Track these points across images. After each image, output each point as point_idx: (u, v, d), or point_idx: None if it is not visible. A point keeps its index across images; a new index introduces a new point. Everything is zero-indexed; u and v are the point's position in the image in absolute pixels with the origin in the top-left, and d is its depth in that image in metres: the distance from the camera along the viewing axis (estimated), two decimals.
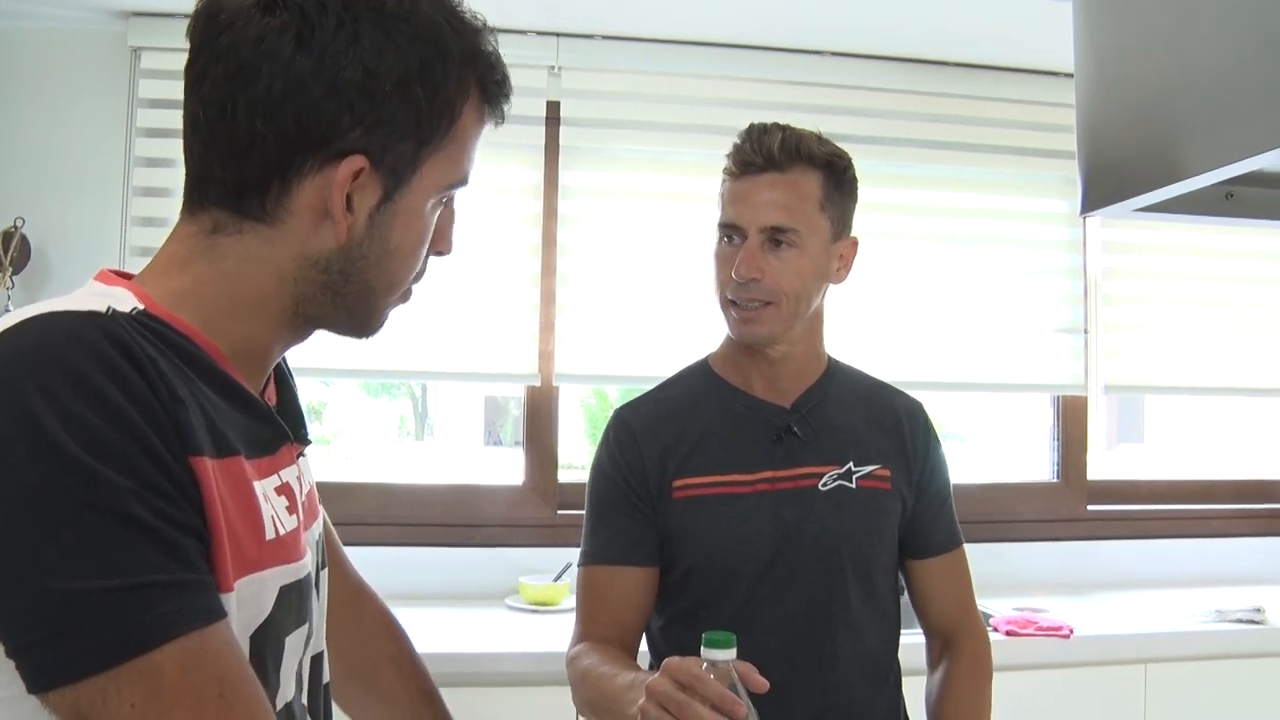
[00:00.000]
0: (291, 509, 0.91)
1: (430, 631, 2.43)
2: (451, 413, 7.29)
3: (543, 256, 2.95)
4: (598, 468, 1.64)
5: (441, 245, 0.99)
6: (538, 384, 2.96)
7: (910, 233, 3.11)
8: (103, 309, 0.77)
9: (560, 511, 2.96)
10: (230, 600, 0.78)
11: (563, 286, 2.96)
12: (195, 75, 0.85)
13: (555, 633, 2.33)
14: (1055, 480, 3.30)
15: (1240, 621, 2.60)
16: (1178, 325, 3.27)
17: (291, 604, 0.88)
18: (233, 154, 0.84)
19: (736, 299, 1.55)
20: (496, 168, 2.94)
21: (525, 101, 2.90)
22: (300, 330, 0.93)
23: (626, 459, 1.60)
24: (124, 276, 0.87)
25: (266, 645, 0.85)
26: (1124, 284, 3.26)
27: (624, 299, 2.97)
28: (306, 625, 0.93)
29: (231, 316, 0.87)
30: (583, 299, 2.96)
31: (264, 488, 0.87)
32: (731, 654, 1.08)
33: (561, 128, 2.96)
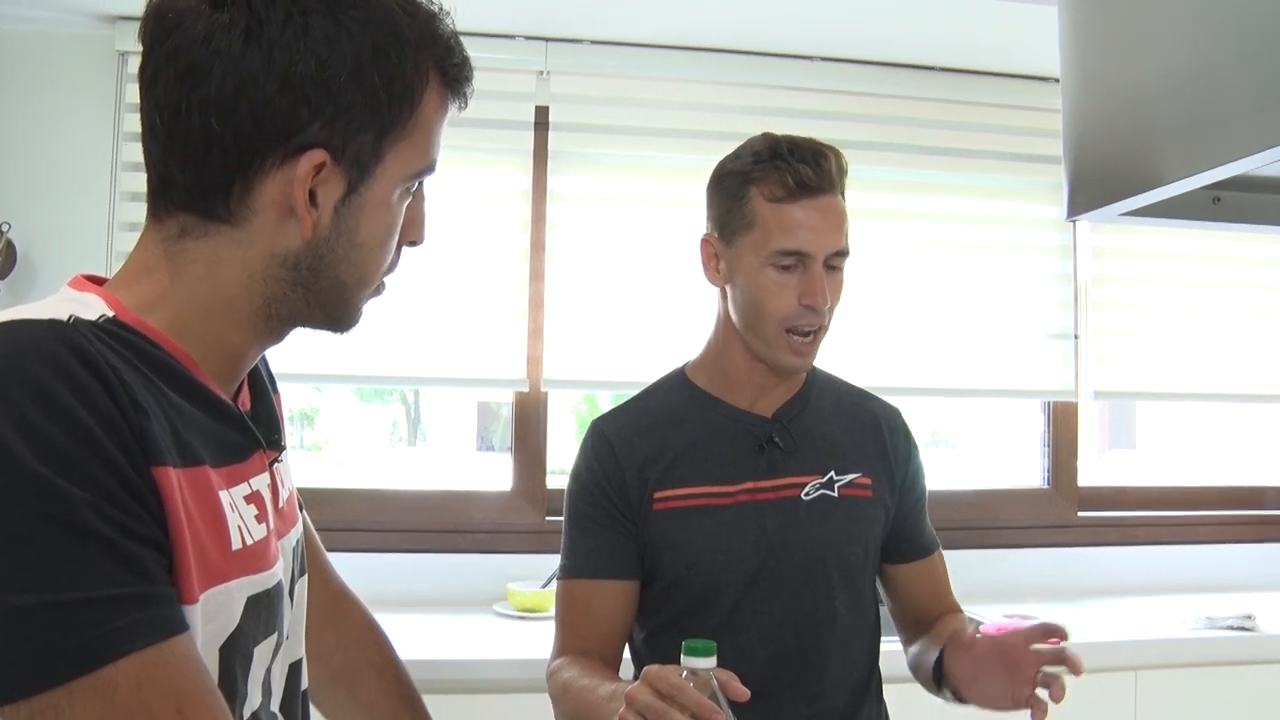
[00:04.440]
0: (261, 517, 0.89)
1: (418, 637, 2.42)
2: (444, 419, 7.28)
3: (531, 261, 2.94)
4: (576, 480, 1.62)
5: (413, 235, 0.97)
6: (526, 389, 2.95)
7: (900, 238, 3.11)
8: (64, 317, 0.76)
9: (549, 517, 2.95)
10: (195, 612, 0.77)
11: (551, 292, 2.95)
12: (148, 78, 0.83)
13: (543, 639, 2.31)
14: (1045, 486, 3.29)
15: (1231, 629, 2.60)
16: (1168, 331, 3.27)
17: (261, 614, 0.87)
18: (191, 156, 0.83)
19: (797, 327, 1.51)
20: (485, 172, 2.92)
21: (513, 106, 2.91)
22: (275, 331, 0.92)
23: (605, 471, 1.59)
24: (98, 282, 0.86)
25: (236, 656, 0.84)
26: (1114, 289, 3.26)
27: (613, 304, 2.97)
28: (276, 634, 0.91)
29: (202, 320, 0.86)
30: (571, 304, 2.95)
31: (231, 497, 0.85)
32: (712, 662, 1.07)
33: (550, 132, 2.95)
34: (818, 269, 1.49)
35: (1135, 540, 3.24)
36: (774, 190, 1.49)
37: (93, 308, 0.81)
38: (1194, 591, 3.03)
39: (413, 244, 0.97)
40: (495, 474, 3.16)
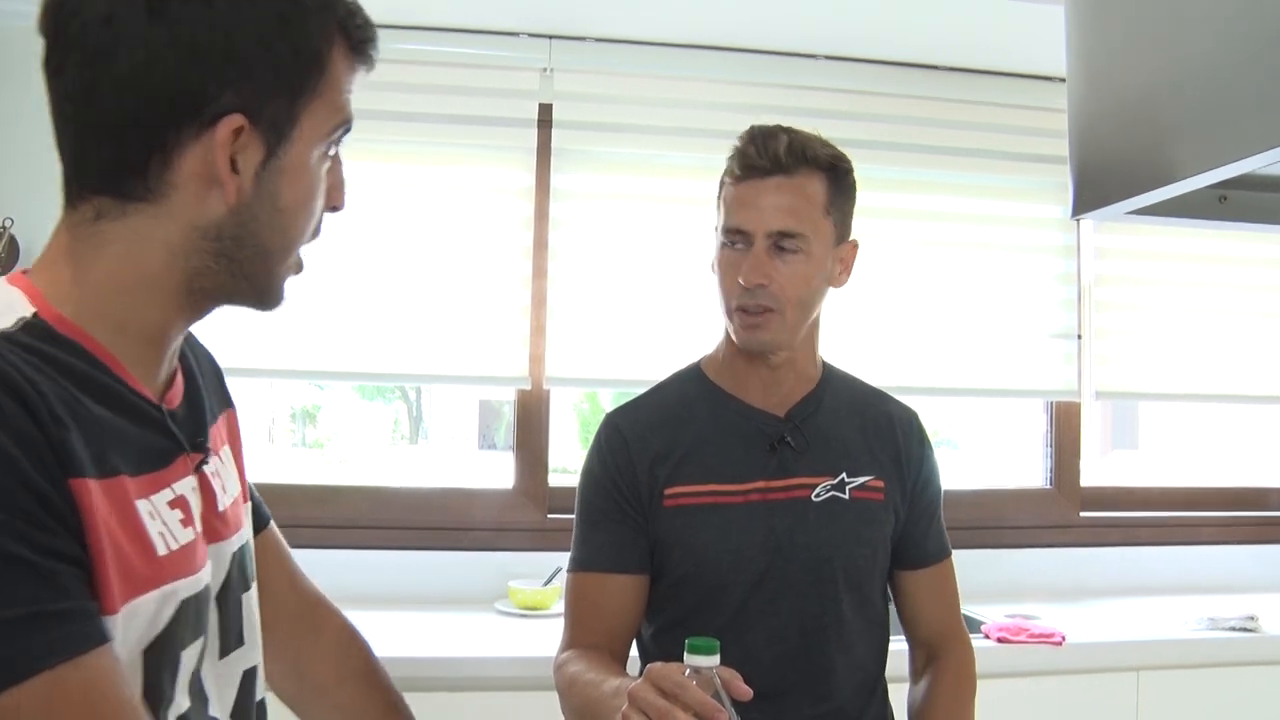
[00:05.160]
0: (187, 522, 0.89)
1: (419, 635, 2.42)
2: (446, 416, 7.29)
3: (534, 259, 2.94)
4: (588, 473, 1.62)
5: (335, 200, 0.97)
6: (528, 387, 2.94)
7: (903, 237, 3.10)
8: None
9: (551, 515, 2.95)
10: (115, 622, 0.78)
11: (554, 289, 2.94)
12: (53, 68, 0.84)
13: (545, 637, 2.32)
14: (1048, 487, 3.29)
15: (1233, 630, 2.59)
16: (1170, 331, 3.27)
17: (188, 617, 0.87)
18: (108, 137, 0.83)
19: (743, 305, 1.52)
20: (488, 169, 2.92)
21: (517, 104, 2.91)
22: (197, 306, 0.92)
23: (618, 464, 1.58)
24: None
25: (163, 660, 0.85)
26: (1116, 290, 3.25)
27: (615, 302, 2.96)
28: (203, 638, 0.92)
29: (121, 302, 0.86)
30: (574, 302, 2.95)
31: (153, 504, 0.85)
32: (715, 660, 1.06)
33: (553, 130, 2.95)
34: (758, 248, 1.50)
35: (1138, 541, 3.24)
36: (729, 171, 1.55)
37: (14, 308, 0.81)
38: (1196, 592, 3.02)
39: (334, 209, 0.98)
40: (497, 472, 3.16)
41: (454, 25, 2.85)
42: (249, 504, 1.11)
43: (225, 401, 1.12)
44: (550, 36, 2.91)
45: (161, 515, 0.86)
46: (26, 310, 0.82)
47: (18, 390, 0.74)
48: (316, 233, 0.96)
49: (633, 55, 2.96)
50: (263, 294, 0.94)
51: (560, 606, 2.12)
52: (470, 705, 2.24)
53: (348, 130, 0.94)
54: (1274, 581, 3.18)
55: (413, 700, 2.29)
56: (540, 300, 2.94)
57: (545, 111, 2.95)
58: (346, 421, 6.81)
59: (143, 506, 0.83)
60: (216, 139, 0.83)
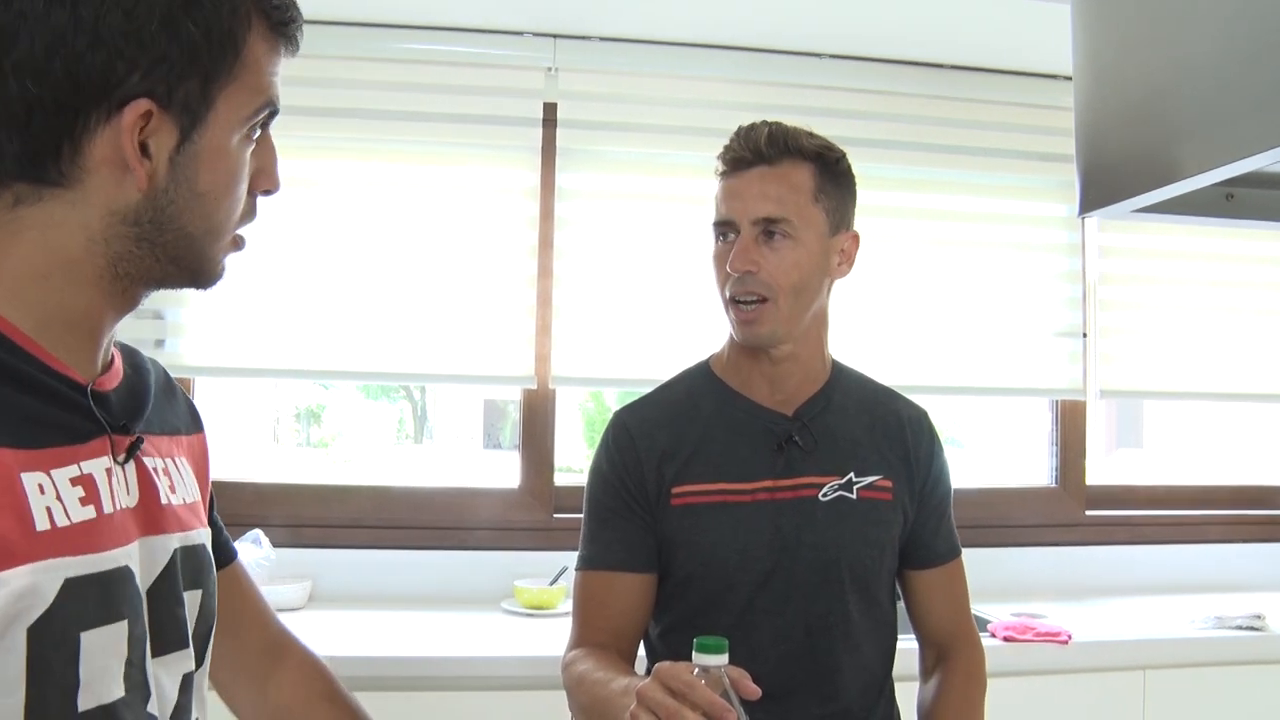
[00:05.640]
0: (88, 500, 0.87)
1: (425, 635, 2.42)
2: (451, 416, 7.30)
3: (539, 259, 2.94)
4: (596, 471, 1.62)
5: (266, 184, 0.95)
6: (534, 387, 2.95)
7: (908, 236, 3.10)
8: None
9: (556, 515, 2.95)
10: None
11: (559, 289, 2.95)
12: None
13: (551, 636, 2.32)
14: (1053, 485, 3.28)
15: (1240, 628, 2.59)
16: (1175, 330, 3.26)
17: (88, 597, 0.85)
18: (15, 124, 0.82)
19: (736, 296, 1.53)
20: (493, 169, 2.92)
21: (521, 103, 2.91)
22: (127, 292, 0.91)
23: (625, 462, 1.58)
24: None
25: (46, 639, 0.82)
26: (1120, 289, 3.25)
27: (621, 301, 2.96)
28: (124, 623, 0.89)
29: (40, 287, 0.85)
30: (579, 301, 2.95)
31: (50, 478, 0.84)
32: (723, 659, 1.06)
33: (558, 129, 2.95)
34: (745, 237, 1.52)
35: (1144, 539, 3.24)
36: (717, 169, 1.58)
37: None
38: (1203, 591, 3.02)
39: (266, 193, 0.96)
40: (502, 471, 3.16)
41: (459, 25, 2.85)
42: (209, 529, 1.09)
43: (196, 425, 1.12)
44: (555, 36, 2.92)
45: (57, 489, 0.84)
46: None
47: None
48: (251, 214, 0.95)
49: (638, 54, 2.96)
50: (195, 275, 0.93)
51: (566, 606, 2.13)
52: (476, 705, 2.24)
53: (273, 113, 0.93)
54: None
55: (419, 699, 2.30)
56: (545, 299, 2.94)
57: (550, 111, 2.95)
58: (351, 421, 6.82)
59: (29, 479, 0.82)
60: (123, 124, 0.82)
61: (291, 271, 2.79)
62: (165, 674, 0.94)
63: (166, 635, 0.95)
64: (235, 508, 2.69)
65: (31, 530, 0.81)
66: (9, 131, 0.82)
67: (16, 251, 0.85)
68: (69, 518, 0.84)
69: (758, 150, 1.52)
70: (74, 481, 0.86)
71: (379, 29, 2.84)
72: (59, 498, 0.84)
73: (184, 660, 0.98)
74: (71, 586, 0.83)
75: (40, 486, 0.83)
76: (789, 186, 1.52)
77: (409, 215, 2.86)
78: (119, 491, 0.91)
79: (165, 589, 0.95)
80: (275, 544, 2.61)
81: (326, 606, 2.63)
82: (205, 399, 3.04)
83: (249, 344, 2.79)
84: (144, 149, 0.84)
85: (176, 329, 2.79)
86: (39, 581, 0.80)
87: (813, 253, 1.53)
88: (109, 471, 0.90)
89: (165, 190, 0.86)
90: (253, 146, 0.92)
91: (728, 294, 1.55)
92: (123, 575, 0.89)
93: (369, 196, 2.82)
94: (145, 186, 0.85)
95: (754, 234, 1.51)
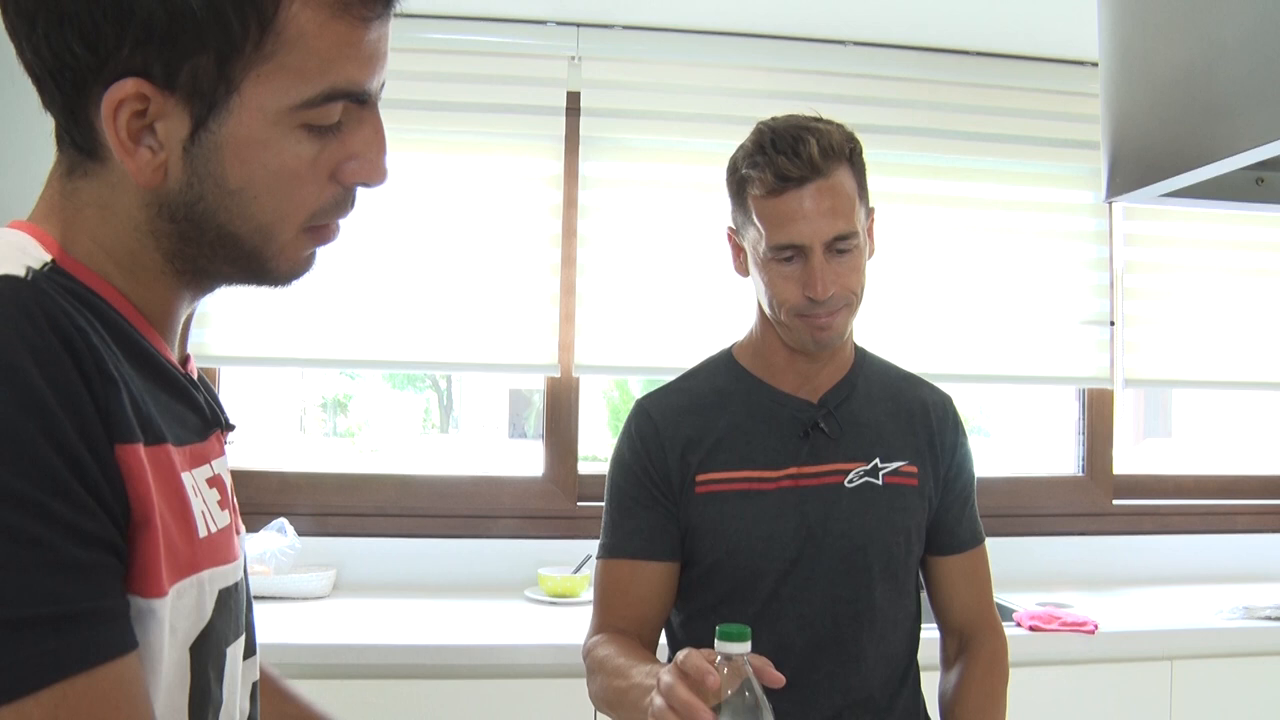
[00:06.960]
0: (224, 504, 0.81)
1: (449, 623, 2.43)
2: (476, 406, 7.31)
3: (563, 247, 2.94)
4: (618, 460, 1.62)
5: (361, 175, 0.79)
6: (558, 375, 2.95)
7: (934, 224, 3.08)
8: (21, 271, 0.68)
9: (580, 503, 2.96)
10: (164, 606, 0.69)
11: (583, 277, 2.95)
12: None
13: (574, 624, 2.32)
14: (1080, 474, 3.26)
15: (1269, 619, 2.56)
16: (1201, 319, 3.23)
17: (230, 610, 0.79)
18: (41, 81, 0.73)
19: (806, 313, 1.49)
20: (516, 158, 2.93)
21: (545, 92, 2.91)
22: (198, 284, 0.81)
23: (648, 451, 1.58)
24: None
25: (209, 657, 0.76)
26: (1146, 277, 3.22)
27: (644, 290, 2.96)
28: (244, 636, 0.85)
29: (116, 268, 0.76)
30: (603, 290, 2.95)
31: (195, 479, 0.76)
32: (746, 647, 1.05)
33: (582, 118, 2.95)
34: (817, 259, 1.46)
35: (1171, 529, 3.21)
36: (762, 187, 1.47)
37: (28, 251, 0.71)
38: (1231, 581, 3.01)
39: (366, 185, 0.80)
40: (527, 460, 3.17)
41: (483, 14, 2.85)
42: None
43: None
44: (578, 25, 2.91)
45: (203, 493, 0.77)
46: (43, 255, 0.71)
47: (68, 340, 0.64)
48: (342, 207, 0.80)
49: (661, 42, 2.95)
50: (264, 275, 0.80)
51: (590, 594, 2.13)
52: (500, 692, 2.25)
53: (353, 99, 0.76)
54: None
55: (443, 688, 2.31)
56: (569, 287, 2.94)
57: (574, 99, 2.95)
58: (377, 411, 6.83)
59: (187, 480, 0.74)
60: (104, 104, 0.70)
61: (317, 261, 2.79)
62: (247, 679, 0.89)
63: (251, 639, 0.91)
64: (260, 496, 2.70)
65: (194, 537, 0.74)
66: (41, 90, 0.74)
67: (84, 227, 0.75)
68: (215, 524, 0.78)
69: (813, 165, 1.44)
70: (210, 483, 0.79)
71: (403, 19, 2.83)
72: (205, 500, 0.77)
73: (253, 669, 0.92)
74: (222, 599, 0.77)
75: (194, 488, 0.76)
76: (845, 197, 1.47)
77: (432, 205, 2.87)
78: (231, 490, 0.85)
79: (246, 595, 0.89)
80: (300, 533, 2.62)
81: (351, 595, 2.63)
82: (231, 389, 3.06)
83: (275, 334, 2.80)
84: (154, 136, 0.72)
85: (202, 319, 2.80)
86: (201, 594, 0.75)
87: (864, 249, 1.53)
88: (228, 470, 0.85)
89: (189, 185, 0.73)
90: (329, 136, 0.77)
91: (794, 311, 1.50)
92: (242, 584, 0.84)
93: (393, 186, 2.80)
94: (148, 181, 0.73)
95: (825, 254, 1.47)
